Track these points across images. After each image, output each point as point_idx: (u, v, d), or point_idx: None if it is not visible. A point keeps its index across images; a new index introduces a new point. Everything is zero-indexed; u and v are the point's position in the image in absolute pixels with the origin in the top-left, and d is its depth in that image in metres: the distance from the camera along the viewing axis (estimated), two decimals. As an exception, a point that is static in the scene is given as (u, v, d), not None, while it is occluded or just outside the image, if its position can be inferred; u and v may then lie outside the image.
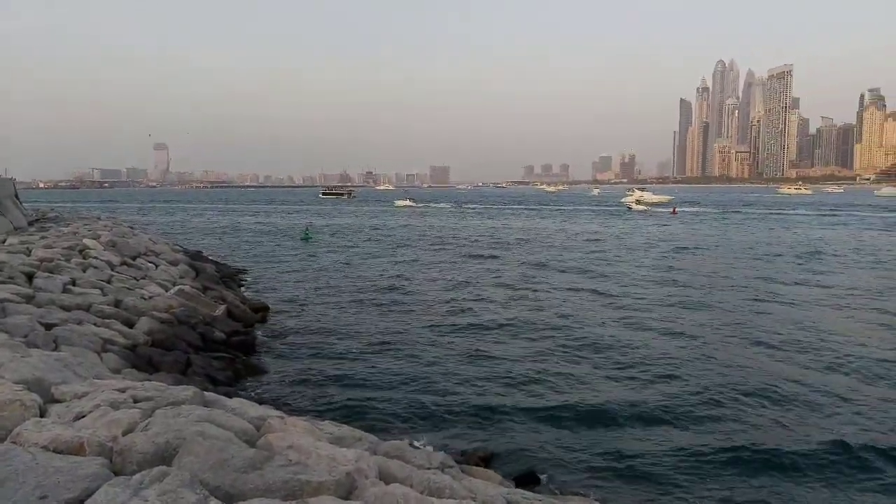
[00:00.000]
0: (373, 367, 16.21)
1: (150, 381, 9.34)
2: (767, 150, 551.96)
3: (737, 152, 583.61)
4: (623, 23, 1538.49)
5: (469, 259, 39.09)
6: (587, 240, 52.97)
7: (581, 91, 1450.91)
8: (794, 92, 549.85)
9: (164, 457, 5.73)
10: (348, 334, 19.76)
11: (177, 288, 20.90)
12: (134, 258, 24.22)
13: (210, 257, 37.23)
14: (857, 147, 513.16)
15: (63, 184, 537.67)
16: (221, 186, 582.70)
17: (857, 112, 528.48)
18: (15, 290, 14.51)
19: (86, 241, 23.61)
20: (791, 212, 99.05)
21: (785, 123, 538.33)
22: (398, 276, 32.05)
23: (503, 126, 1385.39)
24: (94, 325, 14.00)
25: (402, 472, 6.98)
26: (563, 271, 33.23)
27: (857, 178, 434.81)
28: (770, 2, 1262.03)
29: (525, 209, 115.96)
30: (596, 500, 9.27)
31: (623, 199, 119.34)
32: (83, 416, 6.59)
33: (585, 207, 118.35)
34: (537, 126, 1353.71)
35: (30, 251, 19.91)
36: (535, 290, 26.99)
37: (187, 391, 7.73)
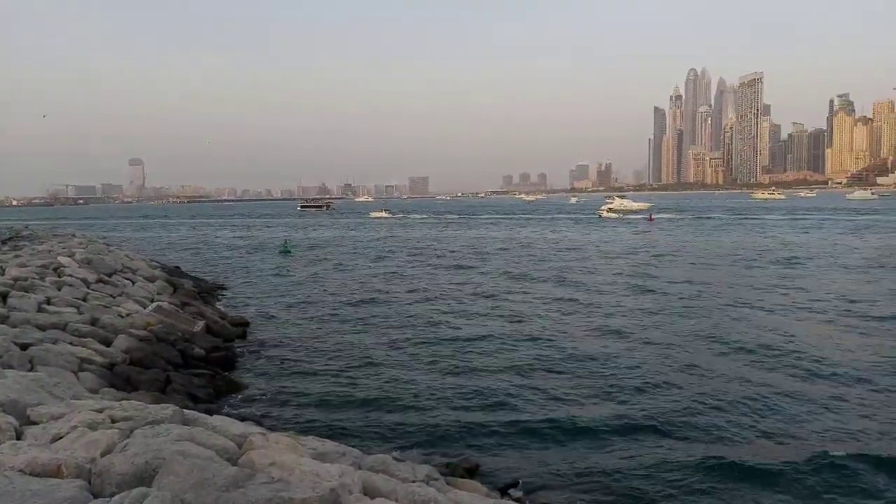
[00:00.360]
0: (355, 380, 16.11)
1: (128, 400, 9.23)
2: (740, 156, 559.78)
3: (711, 159, 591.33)
4: (596, 33, 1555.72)
5: (448, 270, 39.09)
6: (566, 248, 53.27)
7: (557, 100, 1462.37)
8: (764, 99, 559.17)
9: (144, 477, 5.65)
10: (330, 348, 19.64)
11: (155, 304, 20.67)
12: (110, 275, 23.93)
13: (188, 273, 36.87)
14: (828, 152, 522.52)
15: (37, 201, 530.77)
16: (199, 201, 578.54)
17: (828, 118, 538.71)
18: (-12, 311, 14.25)
19: (60, 258, 23.30)
20: (766, 216, 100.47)
21: (757, 130, 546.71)
22: (378, 289, 31.94)
23: (481, 136, 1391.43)
24: (71, 344, 13.79)
25: (387, 486, 6.95)
26: (542, 281, 33.33)
27: (829, 182, 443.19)
28: (739, 11, 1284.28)
29: (504, 218, 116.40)
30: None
31: (603, 207, 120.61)
32: (60, 438, 6.49)
33: (563, 216, 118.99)
34: (515, 136, 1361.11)
35: (3, 270, 19.60)
36: (515, 301, 27.01)
37: (166, 410, 7.65)
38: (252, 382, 15.95)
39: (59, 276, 20.62)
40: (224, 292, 31.99)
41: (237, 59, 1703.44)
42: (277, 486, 5.64)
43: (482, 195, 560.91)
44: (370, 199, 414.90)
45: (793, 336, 19.69)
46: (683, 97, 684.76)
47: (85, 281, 21.04)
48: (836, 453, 10.88)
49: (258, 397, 14.81)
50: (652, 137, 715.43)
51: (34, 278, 18.86)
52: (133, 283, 24.63)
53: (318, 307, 26.79)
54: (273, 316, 25.11)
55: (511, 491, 9.89)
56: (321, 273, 39.11)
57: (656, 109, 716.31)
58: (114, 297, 20.62)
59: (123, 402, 8.38)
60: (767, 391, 14.42)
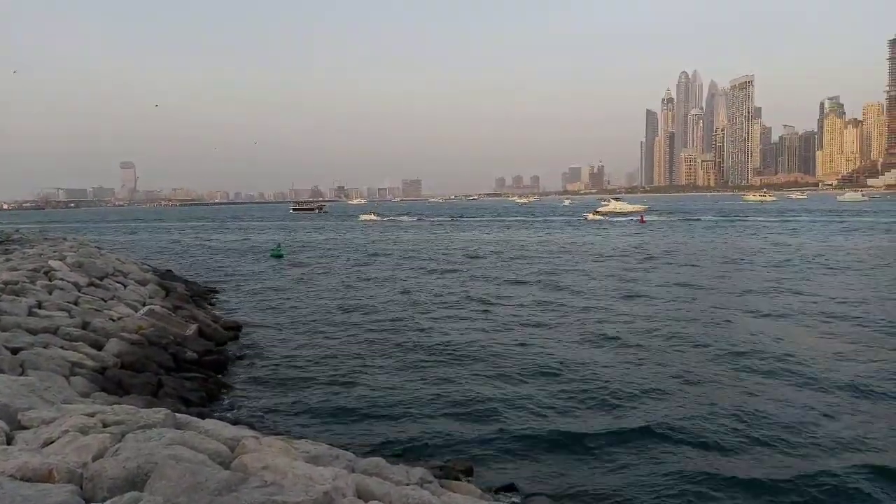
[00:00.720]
0: (348, 383, 16.07)
1: (119, 404, 9.16)
2: (732, 158, 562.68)
3: (702, 161, 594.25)
4: (588, 37, 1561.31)
5: (439, 274, 38.94)
6: (558, 251, 53.36)
7: (550, 103, 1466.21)
8: (756, 101, 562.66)
9: (136, 482, 5.62)
10: (322, 351, 19.60)
11: (146, 308, 20.57)
12: (101, 279, 23.80)
13: (180, 276, 36.73)
14: (818, 154, 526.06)
15: (28, 204, 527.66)
16: (191, 204, 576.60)
17: (818, 120, 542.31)
18: (-22, 315, 14.15)
19: (51, 262, 23.16)
20: (758, 218, 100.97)
21: (748, 132, 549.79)
22: (369, 293, 31.89)
23: (474, 139, 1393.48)
24: (62, 348, 13.70)
25: (381, 489, 6.94)
26: (534, 285, 33.20)
27: (820, 184, 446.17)
28: (730, 15, 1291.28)
29: (496, 220, 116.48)
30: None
31: (598, 209, 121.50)
32: (52, 443, 6.44)
33: (556, 218, 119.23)
34: (508, 138, 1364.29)
35: (-7, 274, 19.45)
36: (506, 306, 26.82)
37: (158, 414, 7.61)
38: (244, 386, 15.89)
39: (49, 280, 20.50)
40: (216, 296, 31.88)
41: (230, 63, 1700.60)
42: (270, 489, 5.61)
43: (475, 197, 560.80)
44: (363, 201, 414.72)
45: (785, 341, 19.51)
46: (675, 100, 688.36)
47: (76, 284, 20.92)
48: (831, 462, 10.73)
49: (251, 401, 14.74)
50: (644, 140, 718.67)
51: (25, 282, 18.73)
52: (125, 286, 24.50)
53: (310, 310, 26.73)
54: (265, 319, 25.04)
55: (505, 493, 9.87)
56: (313, 276, 39.02)
57: (648, 112, 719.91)
58: (105, 301, 20.51)
59: (115, 406, 8.33)
60: (762, 399, 14.16)
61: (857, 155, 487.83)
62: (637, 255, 47.54)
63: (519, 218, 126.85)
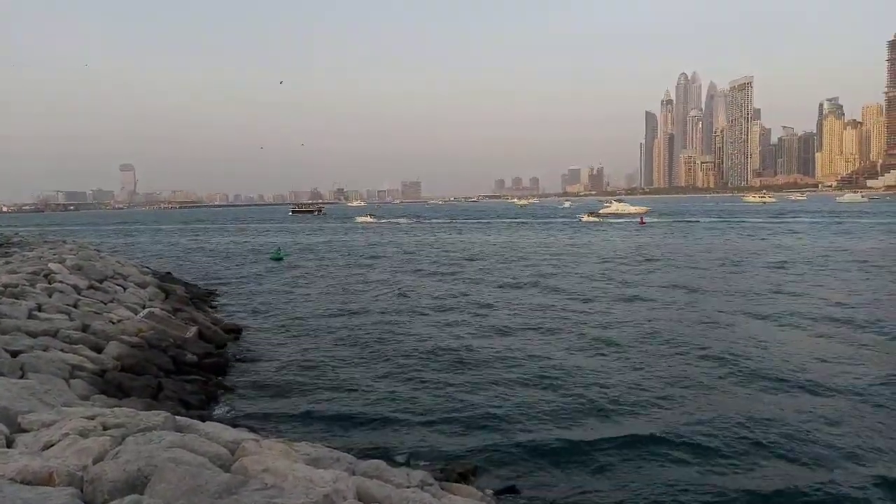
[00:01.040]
0: (348, 386, 16.06)
1: (120, 407, 9.16)
2: (731, 159, 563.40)
3: (702, 162, 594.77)
4: (588, 38, 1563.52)
5: (440, 276, 38.94)
6: (559, 253, 53.34)
7: (549, 104, 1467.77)
8: (755, 103, 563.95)
9: (136, 485, 5.61)
10: (322, 354, 19.58)
11: (146, 311, 20.55)
12: (101, 281, 23.79)
13: (180, 279, 36.72)
14: (818, 155, 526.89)
15: (27, 207, 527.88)
16: (190, 206, 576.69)
17: (817, 121, 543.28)
18: (-22, 318, 14.14)
19: (51, 265, 23.14)
20: (759, 220, 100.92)
21: (747, 133, 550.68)
22: (369, 295, 31.88)
23: (474, 140, 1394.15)
24: (62, 351, 13.69)
25: (381, 491, 6.93)
26: (534, 288, 33.07)
27: (819, 185, 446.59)
28: (730, 16, 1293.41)
29: (495, 223, 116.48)
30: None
31: (601, 210, 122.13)
32: (52, 446, 6.44)
33: (556, 220, 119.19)
34: (507, 140, 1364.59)
35: (-7, 277, 19.44)
36: (506, 310, 26.65)
37: (158, 416, 7.60)
38: (245, 389, 15.87)
39: (49, 283, 20.49)
40: (216, 298, 31.86)
41: (229, 64, 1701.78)
42: (271, 492, 5.61)
43: (474, 199, 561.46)
44: (362, 203, 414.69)
45: (788, 345, 19.20)
46: (674, 101, 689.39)
47: (76, 287, 20.92)
48: (835, 470, 10.56)
49: (251, 403, 14.73)
50: (643, 141, 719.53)
51: (25, 285, 18.73)
52: (124, 289, 24.49)
53: (310, 314, 26.72)
54: (265, 322, 25.03)
55: (506, 496, 9.86)
56: (313, 279, 38.99)
57: (647, 114, 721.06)
58: (105, 304, 20.50)
59: (115, 408, 8.32)
60: (763, 404, 13.99)
61: (857, 156, 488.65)
62: (636, 257, 47.50)
63: (518, 220, 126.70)
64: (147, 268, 37.26)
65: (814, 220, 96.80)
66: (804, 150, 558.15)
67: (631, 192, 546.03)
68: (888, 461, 11.00)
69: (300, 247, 67.69)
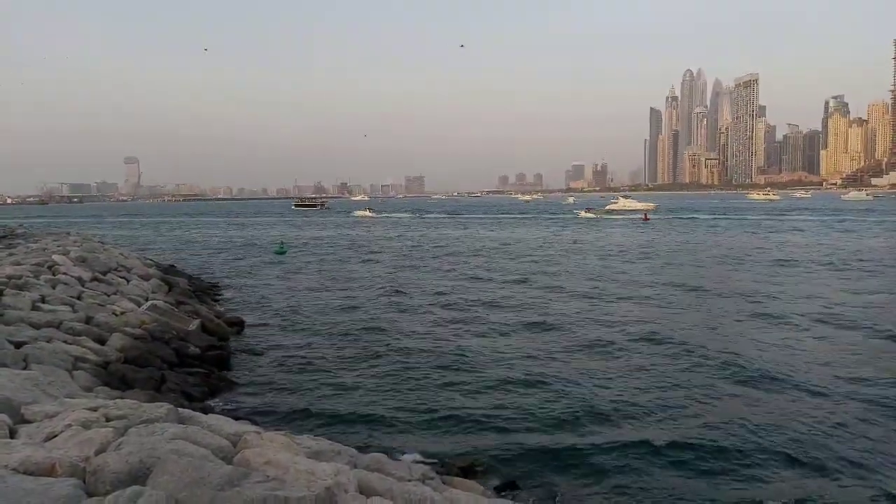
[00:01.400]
0: (351, 379, 16.09)
1: (122, 398, 9.19)
2: (736, 157, 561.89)
3: (706, 159, 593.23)
4: (592, 34, 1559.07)
5: (442, 272, 38.92)
6: (563, 250, 53.32)
7: (553, 102, 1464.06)
8: (760, 100, 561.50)
9: (139, 476, 5.63)
10: (325, 347, 19.61)
11: (149, 303, 20.59)
12: (105, 273, 23.84)
13: (183, 271, 36.78)
14: (823, 153, 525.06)
15: (31, 199, 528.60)
16: (194, 199, 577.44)
17: (823, 119, 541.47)
18: (-19, 309, 14.18)
19: (55, 256, 23.18)
20: (764, 217, 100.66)
21: (752, 131, 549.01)
22: (372, 288, 31.91)
23: (477, 137, 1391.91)
24: (65, 342, 13.73)
25: (383, 485, 6.94)
26: (539, 285, 33.17)
27: (824, 183, 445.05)
28: (735, 13, 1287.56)
29: (496, 218, 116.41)
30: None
31: (607, 206, 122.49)
32: (54, 437, 6.46)
33: (561, 216, 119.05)
34: (511, 137, 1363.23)
35: (-3, 268, 19.48)
36: (510, 307, 26.44)
37: (161, 408, 7.62)
38: (247, 381, 15.91)
39: (53, 275, 20.52)
40: (219, 291, 31.91)
41: (234, 58, 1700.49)
42: (272, 484, 5.62)
43: (478, 195, 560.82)
44: (366, 198, 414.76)
45: (794, 348, 18.69)
46: (679, 98, 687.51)
47: (79, 279, 20.96)
48: (841, 479, 10.30)
49: (253, 396, 14.76)
50: (648, 138, 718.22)
51: (28, 276, 18.75)
52: (128, 281, 24.53)
53: (313, 307, 26.74)
54: (268, 315, 25.06)
55: (507, 491, 9.87)
56: (315, 273, 39.01)
57: (652, 110, 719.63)
58: (108, 296, 20.54)
59: (118, 400, 8.35)
60: (766, 408, 13.71)
61: (862, 154, 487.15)
62: (639, 254, 47.45)
63: (520, 215, 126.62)
64: (150, 260, 37.33)
65: (819, 217, 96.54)
66: (809, 147, 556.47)
67: (635, 188, 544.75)
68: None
69: (303, 241, 67.76)
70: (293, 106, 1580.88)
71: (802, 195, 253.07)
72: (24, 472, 5.45)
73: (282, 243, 58.38)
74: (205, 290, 30.44)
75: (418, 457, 10.92)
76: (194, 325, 19.79)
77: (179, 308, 22.06)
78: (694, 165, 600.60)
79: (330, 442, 8.86)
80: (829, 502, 9.69)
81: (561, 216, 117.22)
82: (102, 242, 38.94)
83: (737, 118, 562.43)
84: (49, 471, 5.57)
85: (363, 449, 9.87)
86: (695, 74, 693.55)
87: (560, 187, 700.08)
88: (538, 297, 28.07)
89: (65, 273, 20.99)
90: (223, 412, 11.81)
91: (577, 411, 13.58)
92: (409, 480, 7.79)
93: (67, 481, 5.38)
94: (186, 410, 8.41)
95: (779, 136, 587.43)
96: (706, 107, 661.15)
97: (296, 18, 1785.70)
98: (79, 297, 18.52)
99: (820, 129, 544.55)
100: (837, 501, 9.73)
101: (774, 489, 10.12)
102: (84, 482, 5.56)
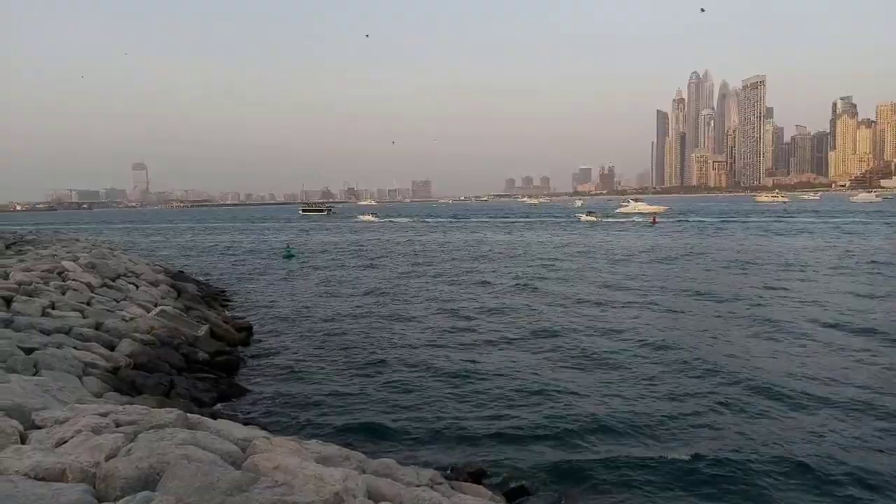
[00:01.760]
0: (359, 384, 16.10)
1: (132, 404, 9.22)
2: (744, 159, 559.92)
3: (714, 162, 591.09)
4: (599, 36, 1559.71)
5: (447, 277, 38.84)
6: (575, 252, 53.21)
7: (560, 104, 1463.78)
8: (767, 102, 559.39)
9: (148, 481, 5.64)
10: (333, 352, 19.63)
11: (158, 309, 20.67)
12: (114, 279, 23.94)
13: (192, 277, 36.90)
14: (831, 155, 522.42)
15: (40, 205, 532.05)
16: (202, 205, 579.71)
17: (830, 120, 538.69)
18: (-8, 315, 14.26)
19: (64, 263, 23.30)
20: (773, 220, 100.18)
21: (760, 133, 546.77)
22: (380, 293, 31.92)
23: (484, 140, 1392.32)
24: (75, 348, 13.79)
25: (391, 490, 6.94)
26: (546, 289, 33.13)
27: (833, 185, 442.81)
28: (741, 14, 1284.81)
29: (499, 222, 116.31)
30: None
31: (619, 209, 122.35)
32: (65, 442, 6.48)
33: (566, 220, 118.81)
34: (517, 140, 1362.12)
35: (7, 274, 19.58)
36: (519, 314, 26.11)
37: (171, 414, 7.64)
38: (256, 386, 15.94)
39: (63, 281, 20.63)
40: (227, 296, 32.01)
41: (241, 63, 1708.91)
42: (281, 490, 5.62)
43: (485, 198, 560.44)
44: (372, 202, 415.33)
45: (807, 356, 18.20)
46: (686, 100, 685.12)
47: (89, 285, 21.06)
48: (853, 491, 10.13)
49: (262, 401, 14.80)
50: (654, 141, 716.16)
51: (38, 283, 18.87)
52: (137, 287, 24.64)
53: (322, 311, 26.78)
54: (277, 320, 25.11)
55: (516, 497, 9.83)
56: (323, 277, 39.11)
57: (659, 113, 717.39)
58: (118, 302, 20.63)
59: (127, 406, 8.38)
60: (776, 420, 13.49)
61: (870, 155, 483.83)
62: (648, 258, 47.28)
63: (524, 219, 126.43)
64: (159, 266, 37.46)
65: (827, 219, 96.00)
66: (817, 149, 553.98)
67: (642, 191, 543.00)
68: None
69: (309, 246, 67.93)
70: (300, 109, 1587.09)
71: (811, 197, 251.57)
72: (35, 478, 5.48)
73: (289, 247, 58.60)
74: (213, 296, 30.53)
75: (427, 462, 10.88)
76: (203, 330, 19.86)
77: (188, 314, 22.14)
78: (701, 168, 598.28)
79: (338, 447, 8.85)
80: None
81: (565, 220, 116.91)
82: (111, 248, 39.15)
83: (744, 120, 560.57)
84: (59, 476, 5.59)
85: (372, 454, 9.87)
86: (701, 76, 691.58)
87: (567, 190, 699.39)
88: (545, 304, 27.91)
89: (74, 279, 21.09)
90: (232, 417, 11.85)
91: (586, 422, 13.37)
92: (418, 486, 7.78)
93: (78, 487, 5.40)
94: (195, 416, 8.43)
95: (786, 137, 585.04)
96: (713, 109, 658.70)
97: (303, 21, 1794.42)
98: (88, 303, 18.61)
99: (828, 131, 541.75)
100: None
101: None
102: (94, 487, 5.58)
